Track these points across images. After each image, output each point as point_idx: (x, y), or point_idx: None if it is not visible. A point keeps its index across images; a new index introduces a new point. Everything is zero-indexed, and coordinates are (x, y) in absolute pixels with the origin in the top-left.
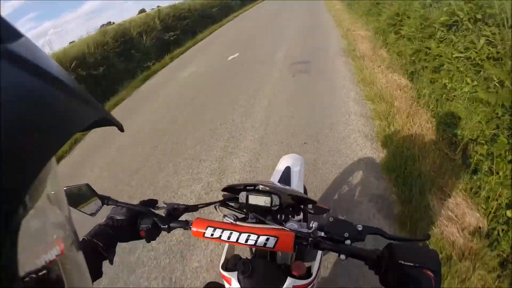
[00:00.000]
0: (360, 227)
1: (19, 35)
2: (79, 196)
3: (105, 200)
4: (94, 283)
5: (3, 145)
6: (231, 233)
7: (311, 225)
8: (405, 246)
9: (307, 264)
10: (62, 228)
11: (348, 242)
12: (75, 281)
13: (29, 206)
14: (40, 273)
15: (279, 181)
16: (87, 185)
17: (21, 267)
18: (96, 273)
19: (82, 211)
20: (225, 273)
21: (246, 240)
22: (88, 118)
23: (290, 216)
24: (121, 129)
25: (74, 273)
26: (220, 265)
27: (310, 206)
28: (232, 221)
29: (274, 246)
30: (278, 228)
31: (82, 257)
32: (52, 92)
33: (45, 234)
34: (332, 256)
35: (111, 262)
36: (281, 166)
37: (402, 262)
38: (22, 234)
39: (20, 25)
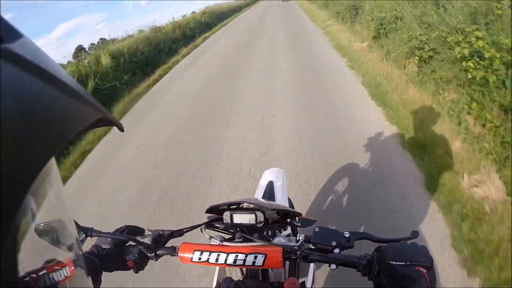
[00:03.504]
0: (347, 234)
1: (19, 35)
2: (56, 232)
3: (88, 231)
4: None
5: (3, 145)
6: (218, 255)
7: (298, 238)
8: (394, 247)
9: (301, 279)
10: (72, 251)
11: (336, 250)
12: None
13: (30, 206)
14: (40, 273)
15: (263, 197)
16: (60, 220)
17: (22, 269)
18: None
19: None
20: None
21: (235, 261)
22: (88, 118)
23: (277, 231)
24: (121, 129)
25: None
26: None
27: (296, 219)
28: (218, 242)
29: (263, 263)
30: (265, 245)
31: (90, 282)
32: (52, 92)
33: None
34: (327, 267)
35: None
36: (263, 182)
37: (393, 263)
38: (31, 239)
39: None
